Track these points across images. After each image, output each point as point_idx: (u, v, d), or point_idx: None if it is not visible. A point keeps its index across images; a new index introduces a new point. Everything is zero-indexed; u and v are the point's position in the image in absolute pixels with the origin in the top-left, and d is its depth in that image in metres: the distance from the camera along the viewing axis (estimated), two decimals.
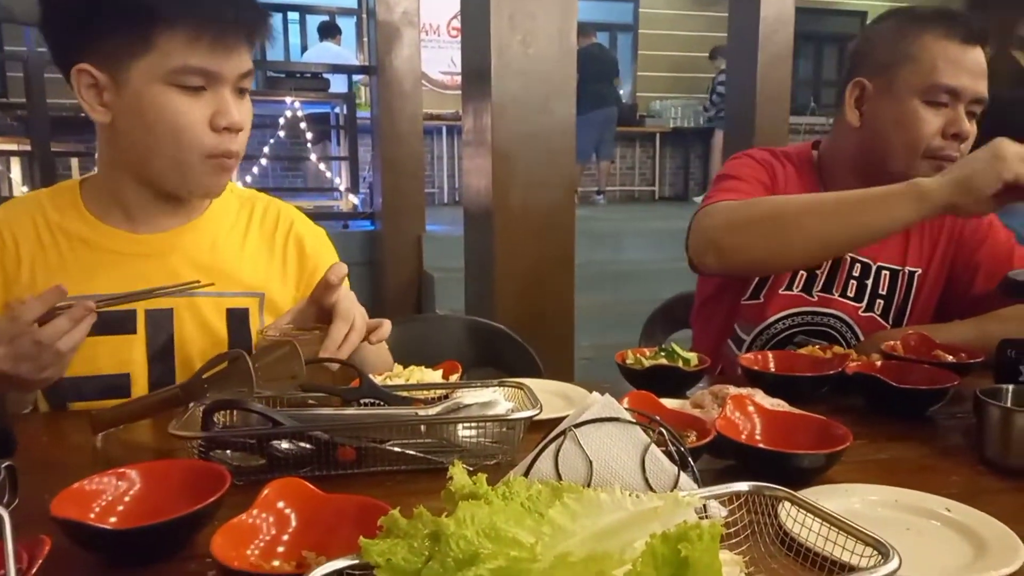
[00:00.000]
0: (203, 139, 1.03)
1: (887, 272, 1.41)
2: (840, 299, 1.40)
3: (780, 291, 1.40)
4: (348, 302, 1.04)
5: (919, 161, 1.31)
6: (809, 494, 0.69)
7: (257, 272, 1.18)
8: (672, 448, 0.70)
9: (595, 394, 0.74)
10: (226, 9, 1.00)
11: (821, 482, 0.78)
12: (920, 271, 1.42)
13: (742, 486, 0.63)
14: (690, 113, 9.47)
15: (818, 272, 1.40)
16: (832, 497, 0.72)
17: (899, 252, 1.41)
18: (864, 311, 1.40)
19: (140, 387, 1.10)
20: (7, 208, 1.15)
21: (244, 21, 1.02)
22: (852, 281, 1.41)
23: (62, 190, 1.16)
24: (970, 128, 1.29)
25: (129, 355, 1.10)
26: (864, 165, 1.39)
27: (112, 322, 1.06)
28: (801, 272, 1.40)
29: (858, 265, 1.41)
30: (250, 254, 1.19)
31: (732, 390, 0.96)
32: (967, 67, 1.29)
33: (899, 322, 1.41)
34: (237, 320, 1.14)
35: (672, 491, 0.66)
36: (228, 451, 0.80)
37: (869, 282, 1.41)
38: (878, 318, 1.40)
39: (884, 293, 1.41)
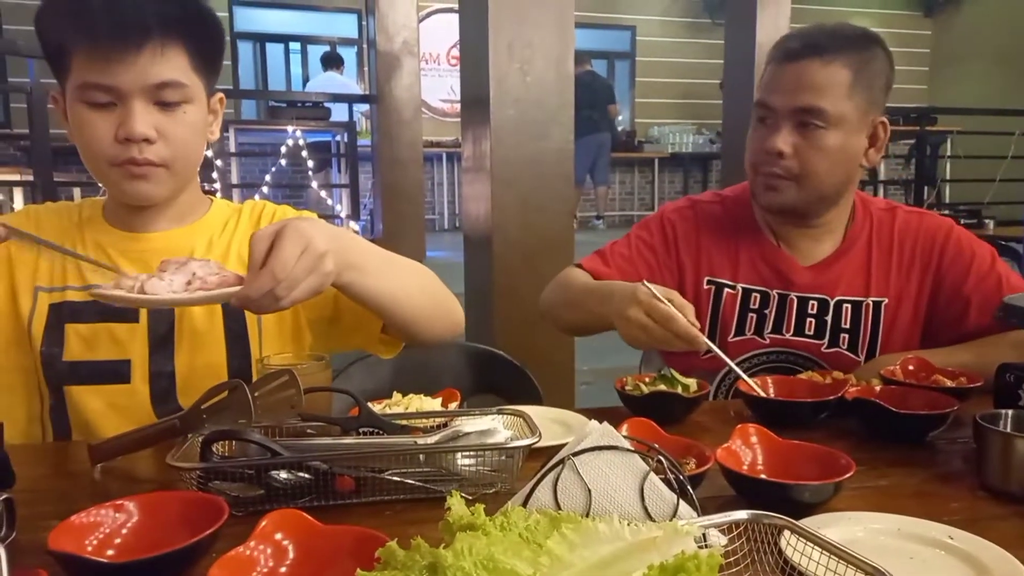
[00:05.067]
0: (107, 150, 1.07)
1: (848, 305, 1.38)
2: (795, 338, 1.38)
3: (729, 339, 1.39)
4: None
5: (754, 178, 1.38)
6: (810, 522, 0.69)
7: (243, 266, 1.18)
8: (671, 476, 0.70)
9: (593, 422, 0.74)
10: (115, 25, 1.02)
11: (822, 510, 0.77)
12: (886, 301, 1.38)
13: (741, 515, 0.63)
14: (688, 138, 9.54)
15: (767, 312, 1.39)
16: (833, 525, 0.72)
17: (861, 284, 1.38)
18: (828, 347, 1.37)
19: (140, 374, 1.13)
20: (48, 206, 1.24)
21: (135, 35, 1.03)
22: (810, 319, 1.38)
23: (94, 201, 1.24)
24: (780, 145, 1.30)
25: (131, 342, 1.13)
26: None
27: (115, 310, 1.10)
28: (749, 315, 1.39)
29: (814, 302, 1.38)
30: (236, 251, 1.21)
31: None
32: (781, 84, 1.31)
33: (872, 354, 1.37)
34: (232, 309, 1.16)
35: (671, 520, 0.66)
36: (227, 482, 0.80)
37: (828, 318, 1.37)
38: (845, 352, 1.37)
39: (848, 327, 1.37)
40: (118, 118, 1.05)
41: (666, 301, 1.11)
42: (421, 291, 1.14)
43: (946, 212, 5.34)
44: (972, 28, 9.43)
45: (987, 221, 5.19)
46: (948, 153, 7.31)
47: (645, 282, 1.14)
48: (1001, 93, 7.01)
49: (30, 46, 4.76)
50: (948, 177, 7.31)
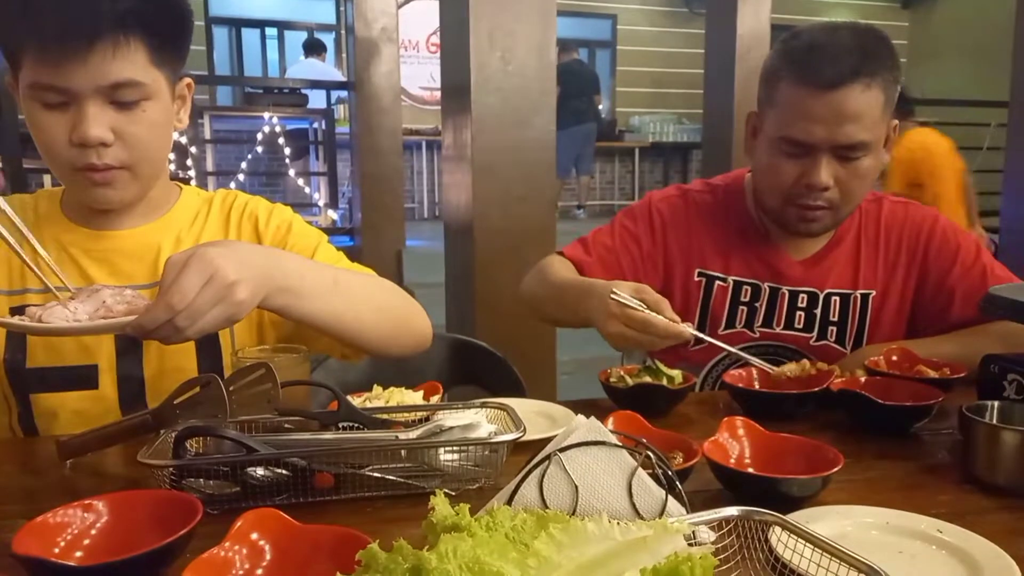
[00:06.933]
0: (63, 154, 1.02)
1: (837, 297, 1.37)
2: (784, 332, 1.37)
3: (719, 332, 1.38)
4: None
5: (784, 207, 1.31)
6: (799, 517, 0.68)
7: None
8: (659, 472, 0.69)
9: (580, 417, 0.72)
10: (63, 23, 0.95)
11: (810, 504, 0.77)
12: (874, 293, 1.37)
13: (731, 511, 0.62)
14: (669, 128, 9.56)
15: (757, 306, 1.38)
16: (823, 520, 0.71)
17: (850, 276, 1.38)
18: (816, 340, 1.37)
19: (108, 379, 1.09)
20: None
21: (85, 34, 0.96)
22: (799, 312, 1.37)
23: (51, 193, 1.18)
24: (826, 179, 1.24)
25: (97, 347, 1.09)
26: (757, 195, 1.40)
27: None
28: (740, 308, 1.38)
29: (804, 296, 1.37)
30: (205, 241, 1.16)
31: None
32: (820, 116, 1.21)
33: (859, 347, 1.36)
34: None
35: (660, 516, 0.65)
36: (201, 479, 0.78)
37: (818, 311, 1.37)
38: (833, 345, 1.37)
39: (836, 320, 1.37)
40: (72, 119, 0.99)
41: (639, 304, 1.07)
42: (374, 311, 1.10)
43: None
44: (949, 20, 9.51)
45: None
46: None
47: (613, 291, 1.09)
48: (977, 84, 7.06)
49: None
50: None
